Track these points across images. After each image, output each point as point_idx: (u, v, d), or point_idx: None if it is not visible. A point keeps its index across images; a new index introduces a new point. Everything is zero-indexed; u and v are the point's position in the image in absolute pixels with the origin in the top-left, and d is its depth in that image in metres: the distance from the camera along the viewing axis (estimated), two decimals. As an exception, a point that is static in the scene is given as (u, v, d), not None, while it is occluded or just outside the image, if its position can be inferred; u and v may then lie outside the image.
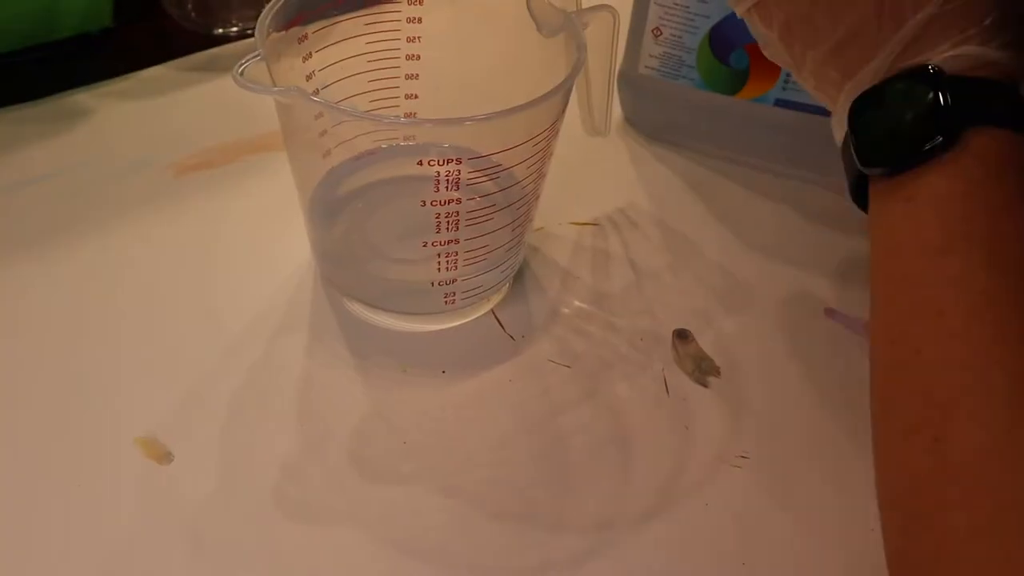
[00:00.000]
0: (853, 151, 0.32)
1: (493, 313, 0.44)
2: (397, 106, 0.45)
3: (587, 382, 0.42)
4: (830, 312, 0.46)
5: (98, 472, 0.36)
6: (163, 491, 0.36)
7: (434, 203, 0.37)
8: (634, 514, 0.37)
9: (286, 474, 0.37)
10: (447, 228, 0.38)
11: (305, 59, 0.40)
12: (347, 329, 0.43)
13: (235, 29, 0.60)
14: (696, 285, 0.47)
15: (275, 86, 0.36)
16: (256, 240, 0.47)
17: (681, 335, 0.44)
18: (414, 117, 0.45)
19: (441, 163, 0.36)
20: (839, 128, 0.33)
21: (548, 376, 0.42)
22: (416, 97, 0.45)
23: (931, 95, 0.29)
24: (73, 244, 0.45)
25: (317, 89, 0.41)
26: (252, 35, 0.57)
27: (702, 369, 0.43)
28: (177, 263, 0.45)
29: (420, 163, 0.36)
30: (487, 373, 0.42)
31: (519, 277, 0.46)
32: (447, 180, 0.36)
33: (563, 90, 0.36)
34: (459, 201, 0.37)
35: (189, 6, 0.60)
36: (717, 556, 0.36)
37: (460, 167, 0.36)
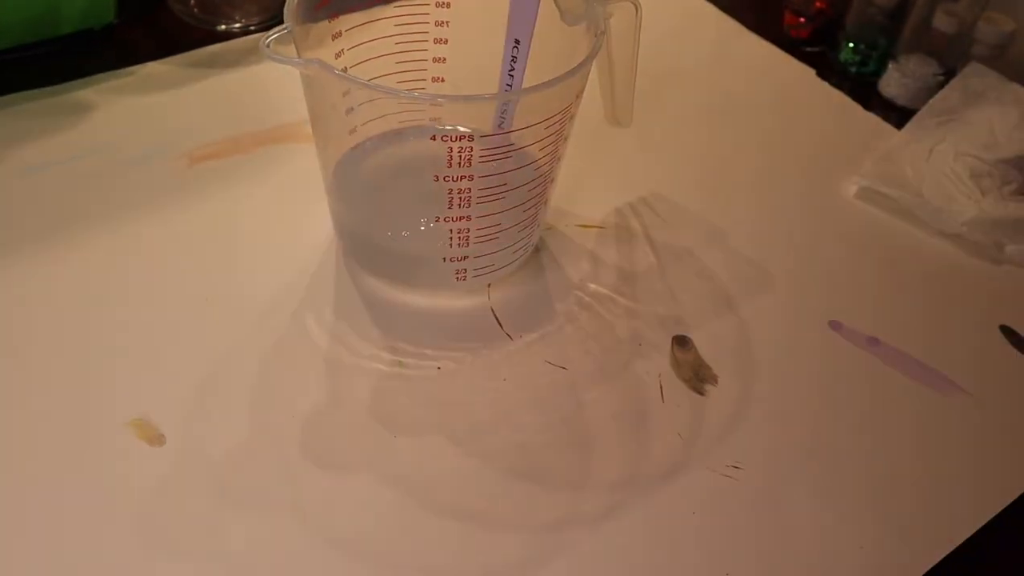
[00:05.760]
0: None
1: (492, 311, 0.44)
2: (424, 88, 0.45)
3: (582, 385, 0.42)
4: (835, 325, 0.46)
5: (101, 450, 0.37)
6: (152, 476, 0.36)
7: (447, 179, 0.38)
8: (621, 519, 0.37)
9: (296, 450, 0.37)
10: (459, 204, 0.39)
11: (335, 37, 0.41)
12: (368, 305, 0.43)
13: (238, 26, 0.59)
14: (698, 292, 0.46)
15: (299, 58, 0.37)
16: (267, 232, 0.47)
17: (681, 342, 0.44)
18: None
19: (454, 139, 0.36)
20: None
21: (543, 377, 0.42)
22: (443, 80, 0.46)
23: None
24: (83, 233, 0.45)
25: (346, 67, 0.42)
26: (255, 32, 0.58)
27: (700, 377, 0.43)
28: (188, 251, 0.45)
29: (433, 138, 0.37)
30: (480, 366, 0.42)
31: (522, 276, 0.46)
32: (460, 156, 0.37)
33: (577, 74, 0.37)
34: (471, 178, 0.38)
35: (192, 2, 0.60)
36: (702, 565, 0.36)
37: (472, 144, 0.37)
